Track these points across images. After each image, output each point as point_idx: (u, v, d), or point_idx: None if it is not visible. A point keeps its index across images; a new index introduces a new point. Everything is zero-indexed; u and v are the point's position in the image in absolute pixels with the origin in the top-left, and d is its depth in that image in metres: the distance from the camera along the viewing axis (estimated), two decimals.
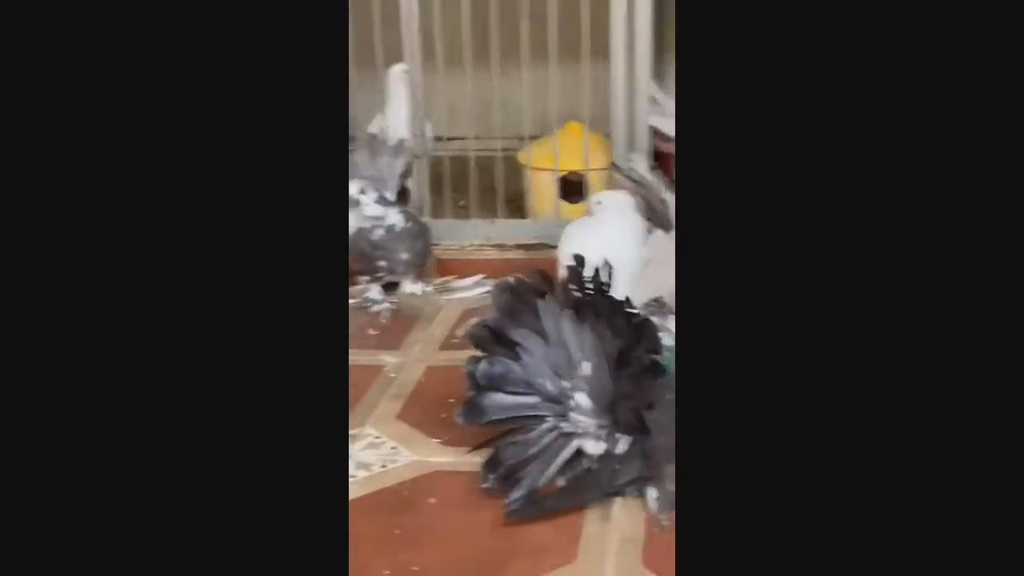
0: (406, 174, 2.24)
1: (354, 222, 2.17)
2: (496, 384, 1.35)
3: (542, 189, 2.35)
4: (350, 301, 2.13)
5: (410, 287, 2.20)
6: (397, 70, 2.43)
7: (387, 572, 1.23)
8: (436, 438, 1.56)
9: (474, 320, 1.54)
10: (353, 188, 2.11)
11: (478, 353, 1.38)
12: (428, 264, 2.24)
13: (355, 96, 2.16)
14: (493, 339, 1.36)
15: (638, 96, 2.22)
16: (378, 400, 1.70)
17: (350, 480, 1.44)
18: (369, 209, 2.11)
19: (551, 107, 2.29)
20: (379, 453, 1.52)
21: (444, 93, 2.34)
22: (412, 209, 2.24)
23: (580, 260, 1.34)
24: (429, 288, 2.21)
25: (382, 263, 2.13)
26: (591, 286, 1.31)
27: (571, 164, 2.30)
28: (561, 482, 1.34)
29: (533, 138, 2.35)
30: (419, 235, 2.17)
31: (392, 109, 2.41)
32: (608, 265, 1.33)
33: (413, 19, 2.24)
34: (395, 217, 2.13)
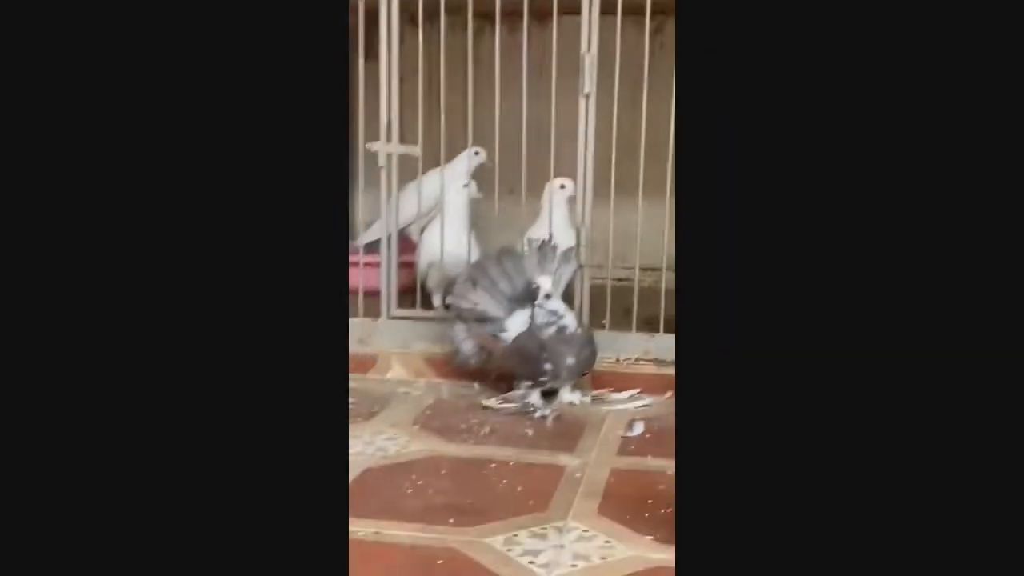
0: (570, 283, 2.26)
1: (513, 327, 2.16)
2: None
3: None
4: (508, 405, 2.10)
5: (568, 396, 2.17)
6: (556, 185, 2.48)
7: None
8: (647, 535, 1.50)
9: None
10: (546, 283, 2.10)
11: None
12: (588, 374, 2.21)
13: None
14: None
15: None
16: (571, 497, 1.65)
17: (570, 568, 1.38)
18: (552, 304, 2.10)
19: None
20: (593, 545, 1.46)
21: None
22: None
23: None
24: (587, 398, 2.19)
25: (547, 366, 2.10)
26: None
27: None
28: None
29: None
30: (587, 342, 2.14)
31: (549, 221, 2.43)
32: None
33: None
34: (569, 319, 2.12)
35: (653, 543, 1.47)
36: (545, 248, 2.21)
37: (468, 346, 2.22)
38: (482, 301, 2.19)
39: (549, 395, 2.16)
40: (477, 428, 2.00)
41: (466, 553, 1.42)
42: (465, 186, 2.49)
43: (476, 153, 2.64)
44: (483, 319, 2.20)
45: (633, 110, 2.30)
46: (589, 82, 2.24)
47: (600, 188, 2.32)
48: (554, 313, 2.10)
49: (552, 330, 2.10)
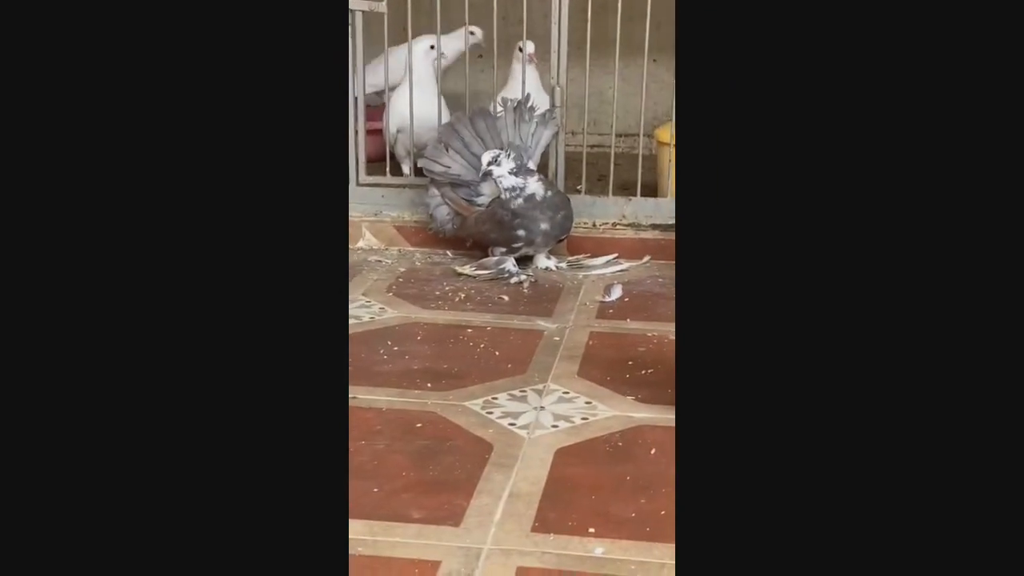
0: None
1: (488, 191, 2.11)
2: None
3: None
4: (483, 272, 2.06)
5: (544, 262, 2.13)
6: (517, 47, 2.40)
7: (633, 514, 1.14)
8: (628, 395, 1.48)
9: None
10: (486, 157, 2.03)
11: None
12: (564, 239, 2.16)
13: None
14: None
15: None
16: (551, 360, 1.62)
17: (551, 430, 1.35)
18: (506, 180, 2.03)
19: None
20: (574, 407, 1.44)
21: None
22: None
23: None
24: (563, 264, 2.15)
25: (520, 232, 2.05)
26: None
27: None
28: None
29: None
30: (561, 206, 2.09)
31: (520, 85, 2.34)
32: None
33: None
34: (535, 186, 2.05)
35: (635, 403, 1.45)
36: (521, 109, 2.14)
37: (442, 212, 2.16)
38: (455, 165, 2.13)
39: (524, 261, 2.12)
40: (452, 295, 1.96)
41: (444, 416, 1.40)
42: (432, 47, 2.39)
43: (472, 33, 2.48)
44: (457, 183, 2.14)
45: None
46: None
47: (575, 50, 2.23)
48: (512, 189, 2.04)
49: (520, 201, 2.04)
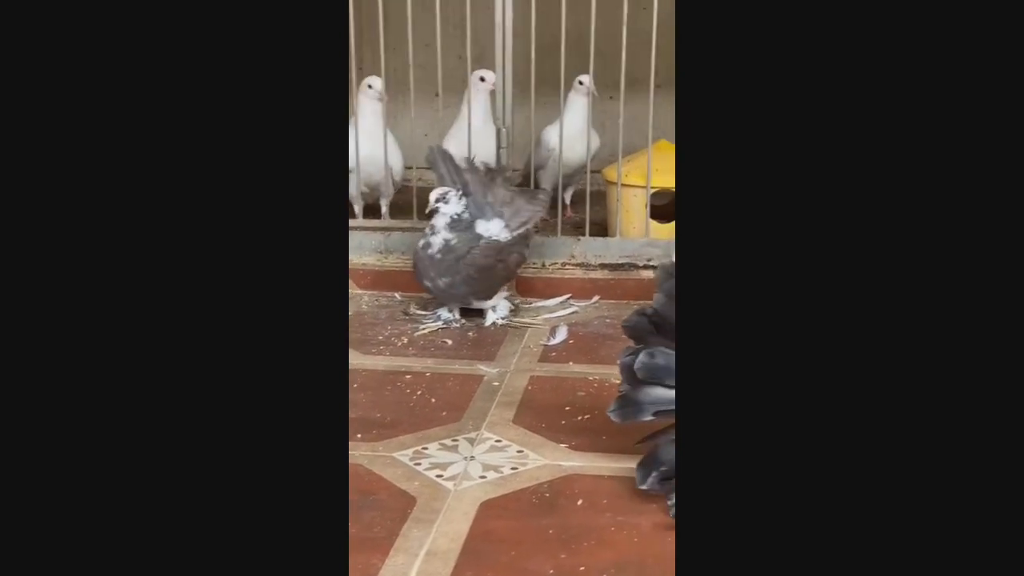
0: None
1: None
2: (657, 377, 1.24)
3: (631, 207, 2.26)
4: (423, 312, 2.03)
5: (490, 316, 2.03)
6: (476, 78, 2.38)
7: (551, 571, 1.11)
8: (561, 443, 1.45)
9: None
10: (434, 194, 1.95)
11: (634, 345, 1.28)
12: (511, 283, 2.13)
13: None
14: (653, 328, 1.26)
15: None
16: (488, 407, 1.59)
17: (479, 481, 1.33)
18: (438, 221, 1.95)
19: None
20: (505, 456, 1.41)
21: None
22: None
23: None
24: (505, 320, 2.04)
25: (425, 282, 1.97)
26: None
27: (663, 181, 2.22)
28: None
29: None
30: (457, 263, 1.94)
31: (468, 119, 2.33)
32: None
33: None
34: (438, 241, 1.94)
35: (567, 451, 1.42)
36: (494, 174, 2.06)
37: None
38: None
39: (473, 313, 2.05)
40: (395, 339, 1.93)
41: (371, 468, 1.37)
42: (370, 87, 2.38)
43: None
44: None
45: (551, 4, 2.19)
46: None
47: (520, 87, 2.22)
48: (425, 234, 1.96)
49: (420, 248, 1.97)
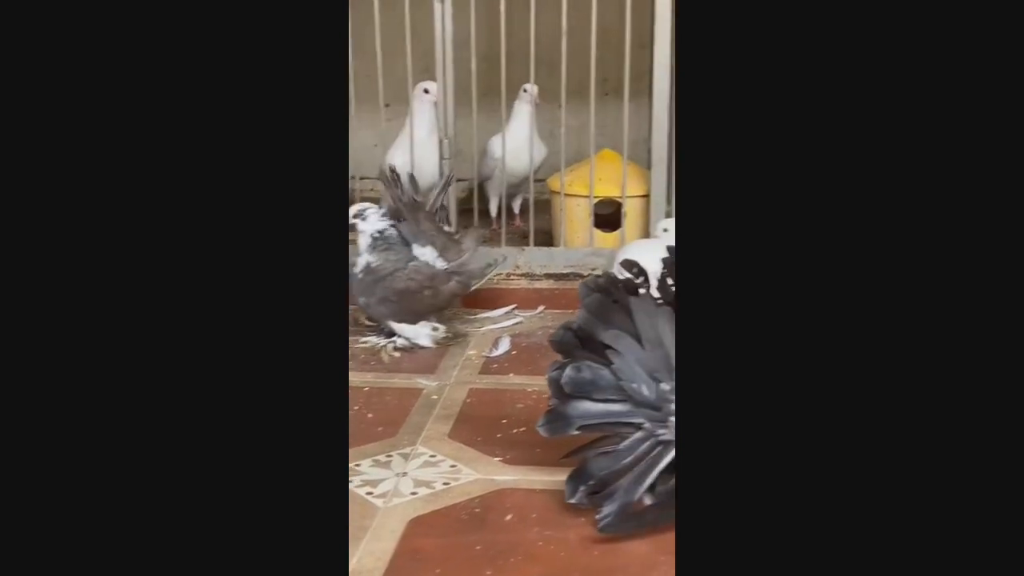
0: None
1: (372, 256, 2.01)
2: (584, 391, 1.24)
3: (575, 216, 2.26)
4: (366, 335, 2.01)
5: (423, 340, 1.97)
6: (420, 90, 2.37)
7: None
8: (496, 456, 1.44)
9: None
10: (353, 209, 1.92)
11: (561, 359, 1.27)
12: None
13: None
14: (579, 343, 1.25)
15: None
16: (424, 421, 1.58)
17: (409, 497, 1.32)
18: (362, 240, 1.92)
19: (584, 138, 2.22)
20: (438, 471, 1.40)
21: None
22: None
23: (633, 264, 1.26)
24: (434, 341, 1.97)
25: (361, 299, 1.95)
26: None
27: (606, 191, 2.22)
28: (656, 494, 1.22)
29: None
30: (386, 292, 1.92)
31: (410, 130, 2.32)
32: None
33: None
34: (362, 261, 1.93)
35: (501, 465, 1.42)
36: (418, 208, 1.97)
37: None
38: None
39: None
40: None
41: None
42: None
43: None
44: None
45: (491, 15, 2.19)
46: None
47: (465, 97, 2.22)
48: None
49: (355, 268, 1.94)
